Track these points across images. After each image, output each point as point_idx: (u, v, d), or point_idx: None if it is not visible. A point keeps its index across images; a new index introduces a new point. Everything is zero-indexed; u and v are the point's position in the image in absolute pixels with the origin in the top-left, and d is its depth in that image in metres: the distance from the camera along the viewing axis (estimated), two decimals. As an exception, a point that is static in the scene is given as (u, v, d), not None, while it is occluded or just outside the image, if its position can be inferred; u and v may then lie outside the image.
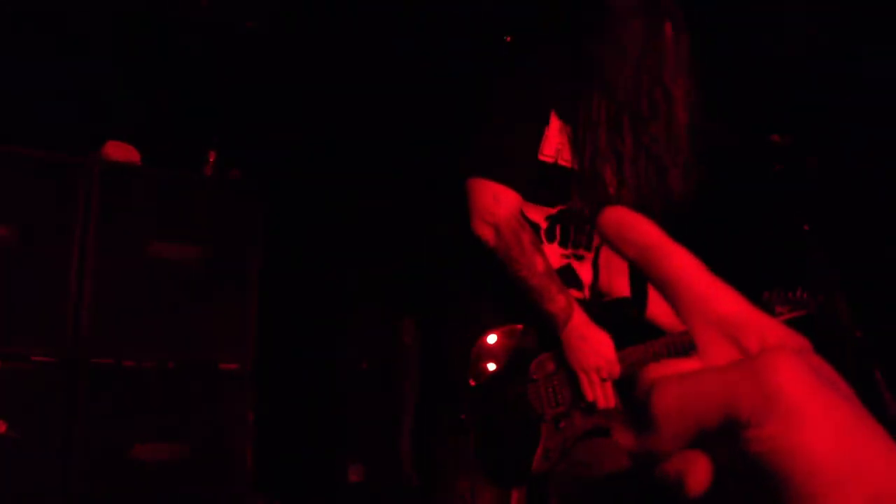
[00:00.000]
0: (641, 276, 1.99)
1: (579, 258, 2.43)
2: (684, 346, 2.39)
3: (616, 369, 2.25)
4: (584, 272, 2.44)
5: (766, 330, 0.49)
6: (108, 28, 4.56)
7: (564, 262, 2.40)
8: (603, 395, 2.25)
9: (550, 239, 2.38)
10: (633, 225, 0.53)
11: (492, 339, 2.23)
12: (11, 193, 3.80)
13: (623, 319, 2.48)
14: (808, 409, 0.43)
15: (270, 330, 4.56)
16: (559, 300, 2.22)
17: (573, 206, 2.37)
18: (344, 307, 4.90)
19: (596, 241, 2.47)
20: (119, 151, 4.19)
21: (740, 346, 0.49)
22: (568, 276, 2.36)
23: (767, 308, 2.49)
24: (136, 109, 4.57)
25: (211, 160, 4.40)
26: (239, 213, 4.31)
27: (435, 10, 4.75)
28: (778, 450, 0.43)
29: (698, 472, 0.45)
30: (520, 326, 2.26)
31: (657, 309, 2.58)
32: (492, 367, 2.21)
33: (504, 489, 2.27)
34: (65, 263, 3.85)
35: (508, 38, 4.63)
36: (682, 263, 0.52)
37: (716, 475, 0.46)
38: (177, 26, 4.76)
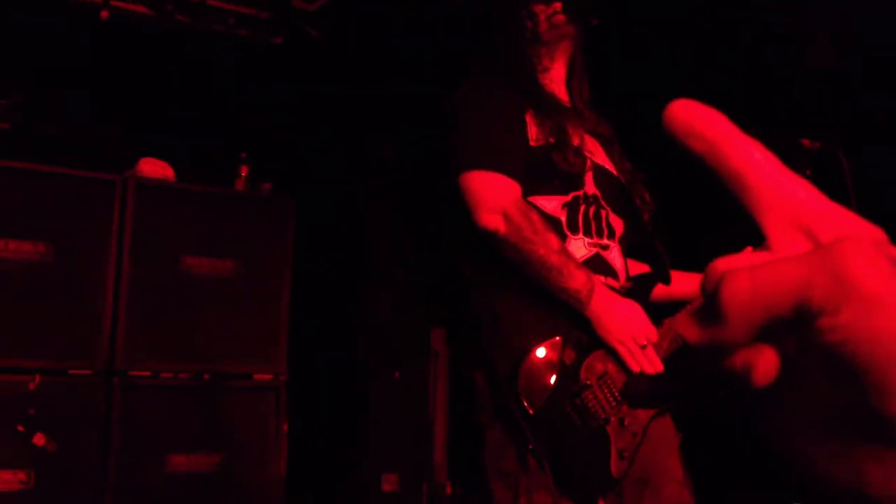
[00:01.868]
0: (653, 247, 1.98)
1: (605, 248, 2.36)
2: None
3: (653, 333, 2.21)
4: (615, 260, 2.38)
5: (841, 221, 0.47)
6: (141, 47, 4.64)
7: (593, 251, 2.33)
8: (648, 362, 2.19)
9: (574, 230, 2.32)
10: (702, 117, 0.50)
11: (534, 363, 2.14)
12: (48, 211, 3.88)
13: (648, 292, 2.40)
14: (886, 296, 0.41)
15: (303, 340, 4.61)
16: (579, 276, 2.16)
17: (586, 190, 2.36)
18: (375, 317, 4.94)
19: (617, 230, 2.43)
20: (153, 168, 4.26)
21: (814, 238, 0.47)
22: (599, 266, 2.30)
23: None
24: (170, 126, 4.64)
25: (243, 175, 4.46)
26: (270, 226, 4.37)
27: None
28: (854, 338, 0.42)
29: (766, 362, 0.44)
30: (558, 338, 2.18)
31: (679, 282, 2.52)
32: (545, 389, 2.13)
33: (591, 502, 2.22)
34: (101, 279, 3.92)
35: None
36: (754, 156, 0.49)
37: (784, 367, 0.45)
38: (208, 42, 4.84)
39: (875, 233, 0.47)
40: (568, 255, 2.19)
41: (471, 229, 2.22)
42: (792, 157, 2.14)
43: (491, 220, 2.19)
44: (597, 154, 2.45)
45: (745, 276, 0.44)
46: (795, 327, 0.43)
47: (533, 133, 2.35)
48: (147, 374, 4.00)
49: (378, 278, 4.94)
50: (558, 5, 2.49)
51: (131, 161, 4.24)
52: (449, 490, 4.70)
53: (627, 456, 2.21)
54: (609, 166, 2.47)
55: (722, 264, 0.46)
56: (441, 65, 4.94)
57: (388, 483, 4.53)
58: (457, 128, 2.36)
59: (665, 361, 2.25)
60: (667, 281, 2.45)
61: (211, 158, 4.54)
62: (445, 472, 4.82)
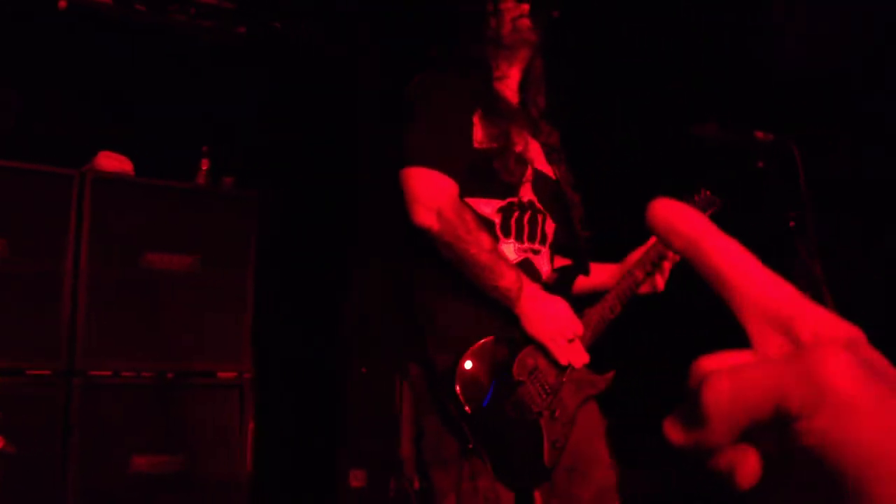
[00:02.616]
0: (577, 241, 1.99)
1: (536, 252, 2.42)
2: (632, 290, 2.46)
3: (578, 327, 2.29)
4: (542, 265, 2.43)
5: (819, 322, 0.49)
6: (96, 39, 4.55)
7: (523, 256, 2.39)
8: (575, 356, 2.28)
9: (506, 234, 2.37)
10: (681, 216, 0.52)
11: (468, 364, 2.20)
12: (3, 207, 3.79)
13: (571, 286, 2.52)
14: (860, 402, 0.43)
15: (272, 337, 4.55)
16: (509, 275, 2.22)
17: (522, 197, 2.38)
18: (343, 312, 4.88)
19: (549, 235, 2.47)
20: (112, 162, 4.18)
21: (794, 337, 0.49)
22: (527, 271, 2.35)
23: None
24: (129, 119, 4.55)
25: (204, 169, 4.39)
26: (233, 220, 4.29)
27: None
28: (829, 442, 0.43)
29: (748, 465, 0.46)
30: (491, 337, 2.24)
31: (597, 273, 2.63)
32: (481, 388, 2.19)
33: (528, 493, 2.32)
34: (58, 276, 3.84)
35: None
36: (732, 255, 0.51)
37: (766, 469, 0.46)
38: (166, 37, 4.75)
39: (852, 332, 0.48)
40: (499, 255, 2.24)
41: (408, 225, 2.26)
42: (746, 149, 2.11)
43: (426, 217, 2.22)
44: (538, 160, 2.48)
45: (725, 379, 0.46)
46: (775, 429, 0.45)
47: (478, 135, 2.37)
48: (108, 373, 3.93)
49: (345, 273, 4.89)
50: (526, 7, 2.50)
51: (89, 155, 4.15)
52: (416, 484, 4.65)
53: (559, 446, 2.30)
54: (549, 171, 2.51)
55: (705, 364, 0.48)
56: (407, 56, 4.90)
57: (356, 479, 4.48)
58: (404, 122, 2.37)
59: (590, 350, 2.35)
60: (587, 273, 2.56)
61: (172, 152, 4.45)
62: (413, 466, 4.78)
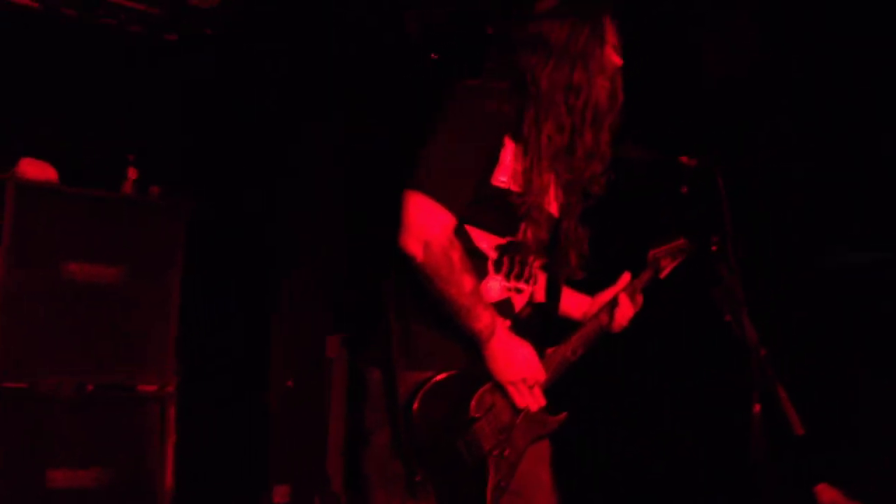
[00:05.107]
0: (554, 279, 2.01)
1: (519, 291, 2.41)
2: (596, 334, 2.47)
3: (541, 375, 2.29)
4: (519, 305, 2.42)
5: None
6: (21, 43, 4.45)
7: (506, 295, 2.38)
8: (534, 400, 2.29)
9: (497, 270, 2.35)
10: None
11: (432, 393, 2.19)
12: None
13: (542, 323, 2.50)
14: None
15: (197, 349, 4.49)
16: (484, 318, 2.20)
17: (523, 238, 2.33)
18: (269, 325, 4.85)
19: (537, 275, 2.47)
20: (35, 169, 4.08)
21: None
22: (504, 309, 2.35)
23: (654, 265, 2.59)
24: (55, 125, 4.46)
25: (131, 178, 4.32)
26: (159, 231, 4.23)
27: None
28: None
29: None
30: (454, 371, 2.23)
31: (565, 303, 2.61)
32: (437, 421, 2.18)
33: None
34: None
35: (434, 56, 4.67)
36: None
37: None
38: (93, 42, 4.66)
39: None
40: (477, 298, 2.22)
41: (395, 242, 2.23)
42: (670, 174, 2.15)
43: (413, 245, 2.19)
44: (550, 198, 2.41)
45: None
46: None
47: (503, 170, 2.30)
48: (25, 385, 3.83)
49: (274, 285, 4.85)
50: (614, 58, 2.39)
51: (11, 161, 4.04)
52: (343, 500, 4.63)
53: (503, 486, 2.27)
54: (553, 209, 2.45)
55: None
56: (336, 66, 4.90)
57: (279, 495, 4.44)
58: (429, 136, 2.28)
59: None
60: (555, 313, 2.54)
61: (98, 160, 4.37)
62: (341, 481, 4.74)
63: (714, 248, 2.11)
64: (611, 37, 2.39)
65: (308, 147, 4.93)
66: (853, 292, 3.34)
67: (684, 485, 3.81)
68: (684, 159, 2.17)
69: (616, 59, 2.39)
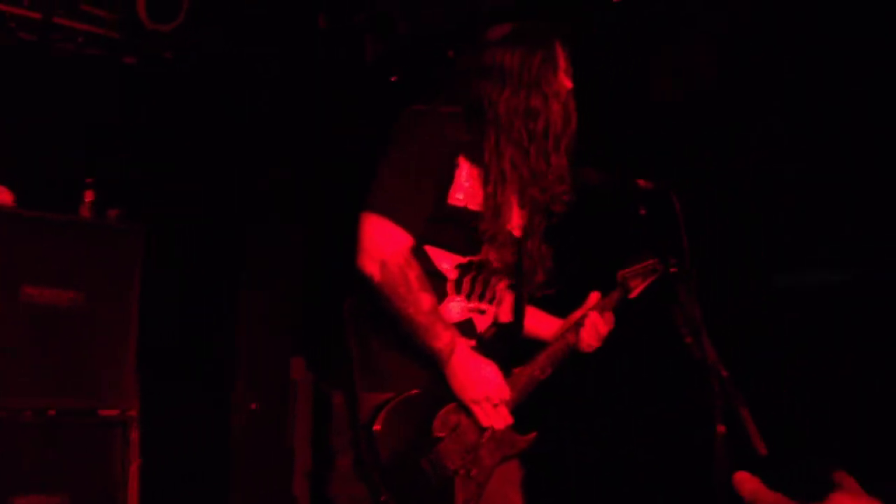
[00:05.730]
0: (519, 298, 2.02)
1: (481, 312, 2.43)
2: (564, 353, 2.48)
3: (505, 393, 2.29)
4: (482, 326, 2.44)
5: None
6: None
7: (467, 315, 2.39)
8: (499, 419, 2.29)
9: (458, 291, 2.37)
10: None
11: (394, 413, 2.20)
12: None
13: (508, 343, 2.52)
14: None
15: (160, 373, 4.44)
16: (444, 336, 2.22)
17: (484, 257, 2.35)
18: (233, 347, 4.81)
19: (499, 295, 2.48)
20: (-11, 192, 4.03)
21: None
22: (466, 330, 2.37)
23: (624, 285, 2.60)
24: (10, 148, 4.40)
25: (88, 201, 4.27)
26: (117, 254, 4.19)
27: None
28: None
29: None
30: (416, 392, 2.24)
31: (534, 324, 2.62)
32: (400, 441, 2.19)
33: None
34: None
35: (393, 79, 4.68)
36: None
37: None
38: (50, 65, 4.62)
39: None
40: (436, 316, 2.24)
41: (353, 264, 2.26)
42: (626, 197, 2.17)
43: (369, 266, 2.22)
44: (512, 219, 2.44)
45: None
46: None
47: (458, 188, 2.32)
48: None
49: (236, 309, 4.82)
50: (566, 82, 2.43)
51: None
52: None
53: None
54: (516, 229, 2.47)
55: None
56: (301, 90, 4.89)
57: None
58: (381, 158, 2.33)
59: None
60: (519, 333, 2.56)
61: (54, 183, 4.32)
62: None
63: (673, 269, 2.13)
64: (562, 62, 2.45)
65: (268, 169, 4.90)
66: (817, 311, 3.38)
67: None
68: (641, 182, 2.19)
69: (567, 83, 2.45)
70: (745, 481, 0.76)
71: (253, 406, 4.61)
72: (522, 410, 2.39)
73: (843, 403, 3.21)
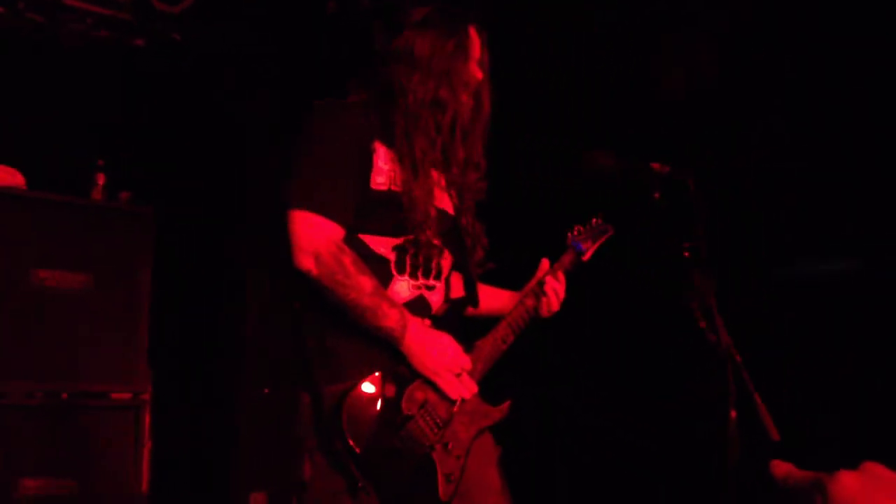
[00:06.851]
0: (469, 273, 2.02)
1: (430, 288, 2.42)
2: (524, 320, 2.49)
3: (466, 362, 2.31)
4: (436, 301, 2.44)
5: None
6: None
7: (417, 293, 2.39)
8: (465, 388, 2.30)
9: (401, 271, 2.37)
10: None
11: (356, 400, 2.19)
12: None
13: (461, 316, 2.55)
14: None
15: (172, 355, 4.45)
16: (392, 315, 2.23)
17: (418, 236, 2.36)
18: (244, 332, 4.81)
19: (445, 270, 2.47)
20: (2, 175, 4.03)
21: None
22: (420, 307, 2.37)
23: (575, 250, 2.61)
24: (22, 131, 4.39)
25: (100, 183, 4.27)
26: (129, 237, 4.20)
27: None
28: None
29: None
30: (378, 373, 2.24)
31: (487, 298, 2.64)
32: (369, 425, 2.19)
33: None
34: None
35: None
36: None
37: None
38: (61, 47, 4.60)
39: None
40: (381, 297, 2.25)
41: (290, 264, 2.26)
42: (642, 180, 2.14)
43: (304, 261, 2.22)
44: (438, 196, 2.45)
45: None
46: None
47: (378, 172, 2.33)
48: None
49: (249, 291, 4.81)
50: (477, 73, 2.45)
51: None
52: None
53: (454, 479, 2.30)
54: (448, 206, 2.50)
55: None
56: (307, 71, 4.86)
57: (256, 502, 4.41)
58: (294, 156, 2.34)
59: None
60: (475, 304, 2.58)
61: (66, 165, 4.31)
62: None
63: (687, 254, 2.11)
64: (474, 51, 2.46)
65: (275, 149, 4.88)
66: (827, 300, 3.36)
67: (659, 492, 3.82)
68: (656, 166, 2.17)
69: (478, 74, 2.47)
70: (778, 464, 0.80)
71: (266, 391, 4.62)
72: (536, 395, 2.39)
73: (856, 389, 3.20)
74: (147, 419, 4.13)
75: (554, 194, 3.68)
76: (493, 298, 2.66)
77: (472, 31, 2.46)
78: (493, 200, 2.56)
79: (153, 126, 4.86)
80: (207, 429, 4.68)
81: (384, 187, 2.33)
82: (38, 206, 4.01)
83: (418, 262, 2.38)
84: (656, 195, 2.14)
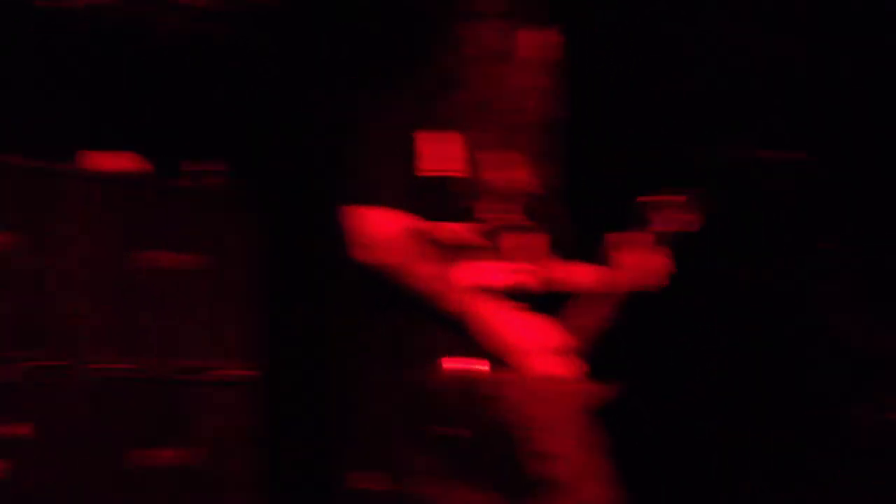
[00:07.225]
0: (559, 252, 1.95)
1: (521, 273, 2.35)
2: (621, 296, 2.46)
3: (559, 338, 2.28)
4: (529, 285, 2.37)
5: None
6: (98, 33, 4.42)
7: (510, 278, 2.32)
8: (559, 366, 2.25)
9: (492, 257, 2.31)
10: None
11: (469, 381, 2.22)
12: (15, 202, 3.78)
13: (559, 297, 2.46)
14: None
15: (280, 336, 4.47)
16: (466, 299, 2.21)
17: (496, 220, 2.32)
18: (358, 310, 4.78)
19: (535, 252, 2.39)
20: (126, 162, 4.14)
21: None
22: (514, 292, 2.31)
23: (655, 218, 2.49)
24: (137, 118, 4.45)
25: (201, 165, 4.33)
26: (234, 216, 4.29)
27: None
28: None
29: None
30: (457, 364, 2.23)
31: (578, 276, 2.56)
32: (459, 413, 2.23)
33: None
34: (54, 272, 3.81)
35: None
36: None
37: None
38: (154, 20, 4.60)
39: None
40: (450, 282, 2.22)
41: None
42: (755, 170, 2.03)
43: (366, 254, 2.24)
44: (505, 172, 2.40)
45: None
46: None
47: (426, 158, 2.30)
48: (111, 366, 3.88)
49: (360, 268, 4.77)
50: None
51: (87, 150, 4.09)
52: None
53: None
54: (521, 181, 2.44)
55: None
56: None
57: (368, 480, 4.39)
58: (344, 147, 2.38)
59: None
60: (571, 286, 2.51)
61: (168, 148, 4.34)
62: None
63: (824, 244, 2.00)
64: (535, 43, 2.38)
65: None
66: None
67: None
68: (768, 153, 2.07)
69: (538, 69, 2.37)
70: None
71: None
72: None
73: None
74: (256, 397, 4.20)
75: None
76: (583, 275, 2.58)
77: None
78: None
79: (265, 114, 4.81)
80: (318, 408, 4.70)
81: (437, 172, 2.29)
82: (141, 187, 4.11)
83: (504, 244, 2.33)
84: (775, 185, 2.04)
